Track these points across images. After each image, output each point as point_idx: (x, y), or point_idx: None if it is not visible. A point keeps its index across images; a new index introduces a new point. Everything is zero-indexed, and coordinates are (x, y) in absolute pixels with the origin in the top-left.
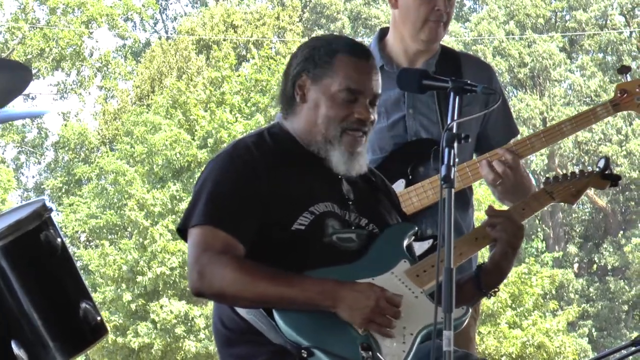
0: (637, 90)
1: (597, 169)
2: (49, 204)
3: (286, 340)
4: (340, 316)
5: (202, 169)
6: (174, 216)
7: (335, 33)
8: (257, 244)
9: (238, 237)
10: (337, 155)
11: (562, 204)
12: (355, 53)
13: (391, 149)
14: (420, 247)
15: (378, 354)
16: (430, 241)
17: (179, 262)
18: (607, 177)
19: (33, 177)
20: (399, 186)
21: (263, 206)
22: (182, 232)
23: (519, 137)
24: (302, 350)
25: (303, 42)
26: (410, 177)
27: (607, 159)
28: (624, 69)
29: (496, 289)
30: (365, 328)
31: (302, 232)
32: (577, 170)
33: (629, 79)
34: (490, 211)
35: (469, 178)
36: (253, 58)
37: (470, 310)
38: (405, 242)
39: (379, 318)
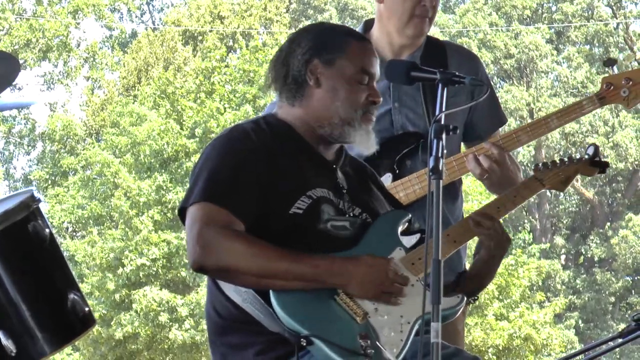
0: (623, 83)
1: (587, 156)
2: (37, 194)
3: (285, 328)
4: (349, 292)
5: (191, 158)
6: (160, 207)
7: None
8: (252, 229)
9: (238, 215)
10: (360, 136)
11: (549, 195)
12: (362, 38)
13: (377, 142)
14: (408, 242)
15: (377, 343)
16: (418, 235)
17: (161, 253)
18: (595, 164)
19: (22, 168)
20: (386, 180)
21: (261, 188)
22: (181, 213)
23: (506, 128)
24: (302, 339)
25: (298, 29)
26: (397, 170)
27: (596, 146)
28: (610, 62)
29: (475, 297)
30: (378, 300)
31: (299, 217)
32: (566, 158)
33: (615, 71)
34: (480, 211)
35: (456, 172)
36: (240, 49)
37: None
38: (400, 230)
39: (391, 288)
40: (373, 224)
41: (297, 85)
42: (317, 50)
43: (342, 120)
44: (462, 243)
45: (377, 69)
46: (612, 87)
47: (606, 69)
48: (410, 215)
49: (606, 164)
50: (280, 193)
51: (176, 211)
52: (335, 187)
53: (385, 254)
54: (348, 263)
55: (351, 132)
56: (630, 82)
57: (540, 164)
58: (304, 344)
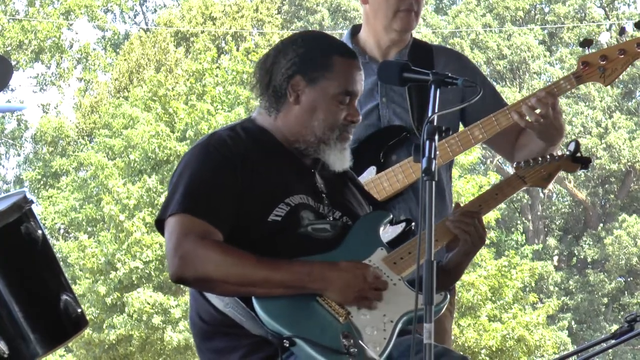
0: (599, 61)
1: (568, 152)
2: (29, 196)
3: (267, 330)
4: (329, 297)
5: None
6: (150, 209)
7: (314, 25)
8: (232, 237)
9: (216, 225)
10: (334, 155)
11: (542, 196)
12: (349, 55)
13: (364, 136)
14: (393, 231)
15: (360, 342)
16: (403, 224)
17: (155, 255)
18: (577, 160)
19: (13, 169)
20: (370, 173)
21: (239, 197)
22: (159, 224)
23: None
24: (284, 340)
25: (288, 36)
26: (382, 163)
27: (577, 142)
28: (586, 42)
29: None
30: (357, 305)
31: (277, 224)
32: (547, 155)
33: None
34: (462, 210)
35: (438, 160)
36: (230, 51)
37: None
38: (381, 230)
39: (370, 293)
40: (354, 225)
41: (276, 98)
42: (302, 67)
43: (318, 139)
44: (443, 242)
45: (360, 87)
46: (588, 66)
47: (582, 50)
48: (391, 216)
49: (588, 160)
50: (258, 201)
51: (154, 222)
52: (315, 191)
53: (367, 254)
54: (326, 268)
55: (326, 150)
56: (606, 60)
57: (521, 162)
58: (287, 345)
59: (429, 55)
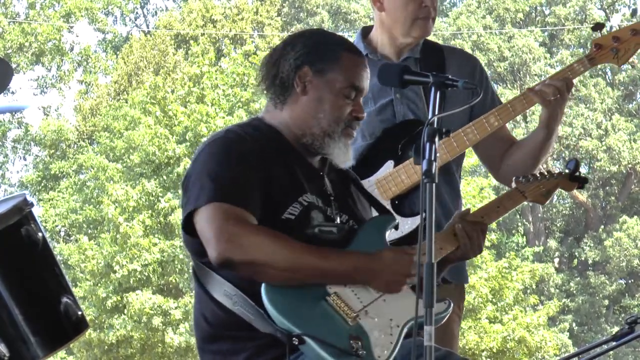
0: (612, 42)
1: (567, 171)
2: (29, 198)
3: (276, 328)
4: (375, 288)
5: (181, 164)
6: (149, 211)
7: (314, 27)
8: None
9: (251, 212)
10: (338, 149)
11: None
12: (356, 52)
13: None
14: (412, 223)
15: (368, 344)
16: (417, 218)
17: (153, 259)
18: (575, 179)
19: (18, 172)
20: (387, 167)
21: (260, 192)
22: (187, 221)
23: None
24: (294, 338)
25: (296, 32)
26: (399, 157)
27: (576, 161)
28: (598, 26)
29: None
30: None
31: (290, 222)
32: (546, 171)
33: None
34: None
35: (455, 149)
36: (229, 54)
37: (452, 306)
38: (387, 234)
39: (410, 279)
40: (361, 229)
41: (283, 89)
42: (310, 58)
43: (323, 132)
44: (448, 250)
45: (366, 85)
46: (600, 48)
47: (594, 34)
48: (397, 221)
49: (585, 180)
50: (274, 198)
51: (181, 219)
52: (323, 194)
53: None
54: (371, 261)
55: (330, 144)
56: (619, 41)
57: (521, 177)
58: (296, 343)
59: (441, 56)
